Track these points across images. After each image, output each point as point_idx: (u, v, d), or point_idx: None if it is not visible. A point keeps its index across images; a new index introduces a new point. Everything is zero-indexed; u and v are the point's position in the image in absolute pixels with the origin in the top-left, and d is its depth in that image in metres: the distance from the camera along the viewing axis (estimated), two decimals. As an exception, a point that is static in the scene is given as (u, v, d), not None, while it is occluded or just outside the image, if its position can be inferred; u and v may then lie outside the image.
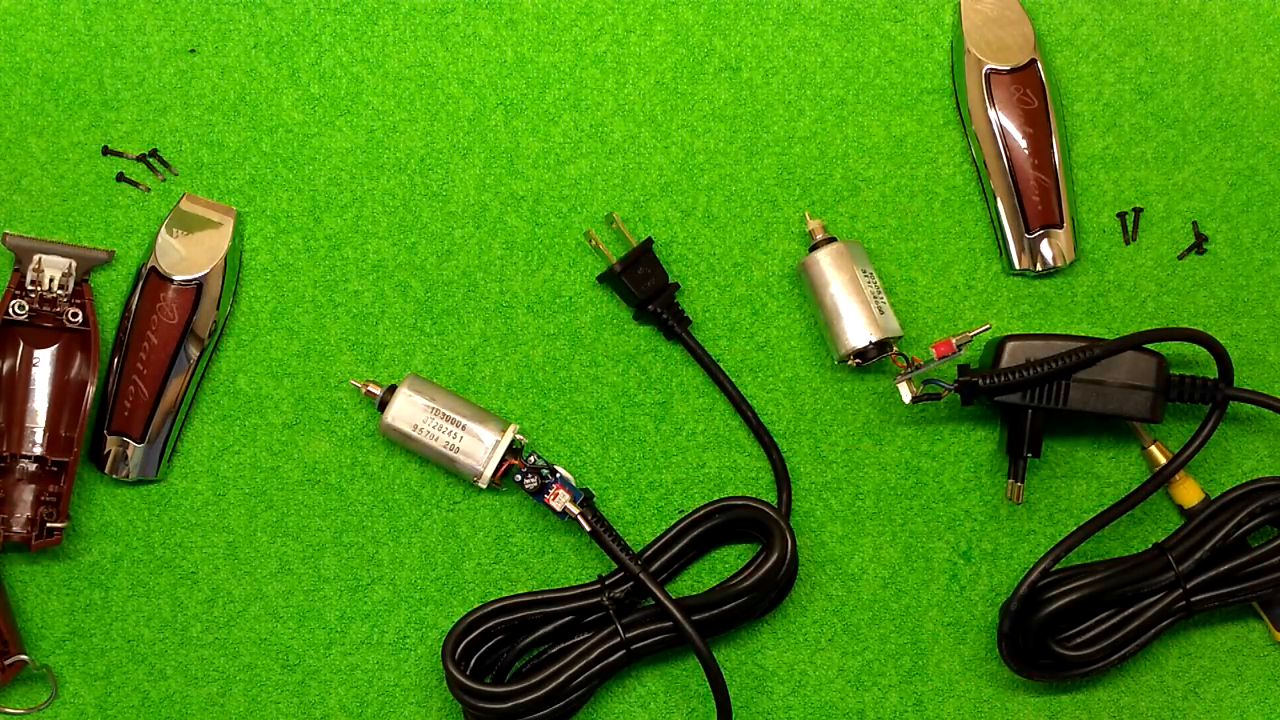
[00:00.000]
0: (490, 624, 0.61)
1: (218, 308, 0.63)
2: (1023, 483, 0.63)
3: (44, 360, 0.62)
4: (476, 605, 0.62)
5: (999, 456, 0.65)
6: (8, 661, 0.61)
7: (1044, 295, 0.66)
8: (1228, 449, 0.66)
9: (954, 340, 0.61)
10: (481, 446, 0.62)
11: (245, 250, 0.65)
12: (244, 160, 0.65)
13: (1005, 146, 0.65)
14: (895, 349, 0.63)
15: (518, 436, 0.62)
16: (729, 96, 0.67)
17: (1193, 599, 0.61)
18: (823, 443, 0.65)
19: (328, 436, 0.64)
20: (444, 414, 0.62)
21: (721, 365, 0.65)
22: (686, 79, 0.67)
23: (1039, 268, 0.65)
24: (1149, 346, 0.63)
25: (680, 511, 0.64)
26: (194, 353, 0.63)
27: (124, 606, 0.63)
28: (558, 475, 0.63)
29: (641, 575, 0.61)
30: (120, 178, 0.65)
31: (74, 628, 0.63)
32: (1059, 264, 0.65)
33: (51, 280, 0.62)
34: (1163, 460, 0.64)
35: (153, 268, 0.63)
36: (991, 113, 0.66)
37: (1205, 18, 0.68)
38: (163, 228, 0.64)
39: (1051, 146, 0.65)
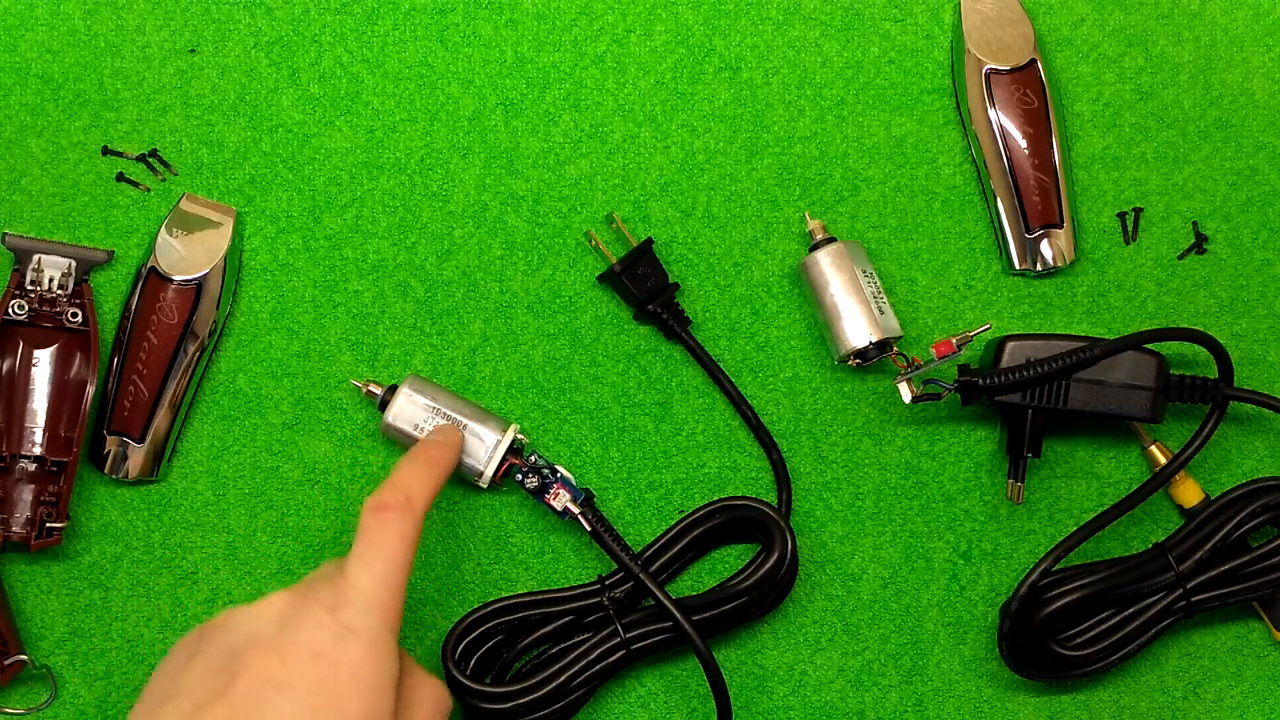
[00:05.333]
0: (490, 624, 0.61)
1: (218, 308, 0.63)
2: (1023, 483, 0.63)
3: (44, 360, 0.62)
4: (476, 605, 0.62)
5: (999, 456, 0.65)
6: (8, 661, 0.61)
7: (1044, 295, 0.66)
8: (1228, 449, 0.66)
9: (954, 340, 0.61)
10: (482, 446, 0.62)
11: (245, 250, 0.65)
12: (244, 160, 0.65)
13: (1005, 146, 0.65)
14: (895, 349, 0.63)
15: (518, 436, 0.62)
16: (729, 96, 0.67)
17: (1193, 599, 0.61)
18: (823, 443, 0.65)
19: (328, 436, 0.64)
20: (444, 414, 0.62)
21: (721, 365, 0.65)
22: (686, 79, 0.67)
23: (1039, 268, 0.65)
24: (1149, 346, 0.63)
25: (680, 511, 0.64)
26: (194, 353, 0.63)
27: (124, 606, 0.63)
28: (558, 475, 0.63)
29: (641, 575, 0.61)
30: (120, 178, 0.65)
31: (74, 628, 0.63)
32: (1059, 264, 0.65)
33: (51, 280, 0.62)
34: (1163, 460, 0.64)
35: (152, 268, 0.63)
36: (991, 113, 0.66)
37: (1205, 18, 0.68)
38: (162, 228, 0.64)
39: (1051, 146, 0.65)
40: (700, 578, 0.64)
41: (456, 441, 0.60)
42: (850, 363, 0.64)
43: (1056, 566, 0.61)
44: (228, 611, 0.50)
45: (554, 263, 0.65)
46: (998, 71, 0.66)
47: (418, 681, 0.52)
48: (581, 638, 0.61)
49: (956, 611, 0.64)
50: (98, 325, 0.62)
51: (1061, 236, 0.65)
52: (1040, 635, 0.61)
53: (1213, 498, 0.63)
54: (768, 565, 0.61)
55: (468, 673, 0.60)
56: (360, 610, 0.49)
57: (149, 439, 0.62)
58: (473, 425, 0.62)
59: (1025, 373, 0.61)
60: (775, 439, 0.65)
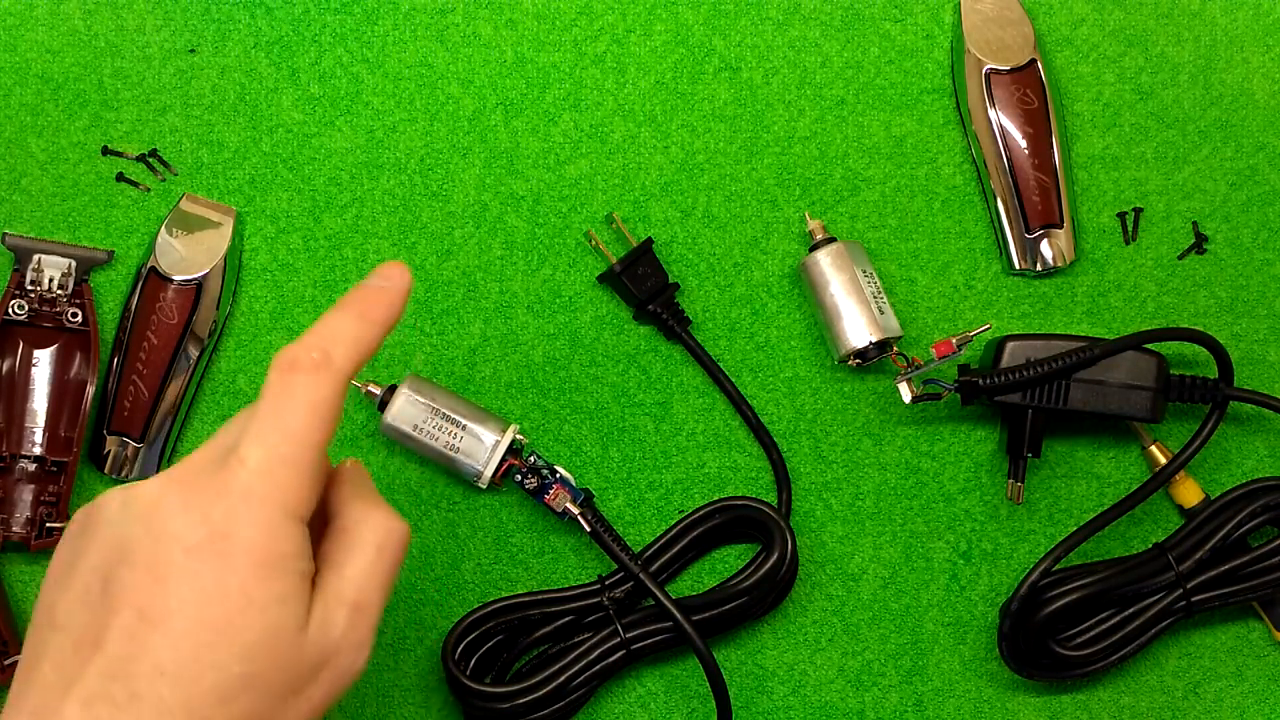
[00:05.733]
0: (490, 624, 0.61)
1: (218, 308, 0.63)
2: (1023, 483, 0.63)
3: (44, 360, 0.62)
4: (476, 605, 0.62)
5: (999, 456, 0.65)
6: (7, 661, 0.61)
7: (1044, 295, 0.66)
8: (1228, 449, 0.66)
9: (954, 340, 0.61)
10: (482, 446, 0.62)
11: (245, 250, 0.65)
12: (244, 160, 0.65)
13: (1005, 146, 0.65)
14: (895, 349, 0.63)
15: (518, 436, 0.62)
16: (729, 96, 0.67)
17: (1193, 599, 0.61)
18: (823, 443, 0.65)
19: (328, 436, 0.64)
20: (444, 414, 0.62)
21: (721, 365, 0.65)
22: (686, 79, 0.67)
23: (1039, 268, 0.65)
24: (1149, 346, 0.63)
25: (680, 511, 0.64)
26: (194, 353, 0.63)
27: (124, 606, 0.63)
28: (558, 475, 0.63)
29: (641, 575, 0.61)
30: (120, 178, 0.65)
31: (74, 628, 0.63)
32: (1059, 264, 0.65)
33: (51, 280, 0.62)
34: (1163, 460, 0.64)
35: (152, 268, 0.63)
36: (991, 113, 0.66)
37: (1205, 18, 0.68)
38: (162, 228, 0.64)
39: (1051, 146, 0.65)
40: (700, 578, 0.64)
41: (401, 287, 0.46)
42: (850, 363, 0.64)
43: (1056, 566, 0.61)
44: (106, 497, 0.43)
45: (554, 263, 0.65)
46: (998, 71, 0.66)
47: (355, 514, 0.45)
48: (581, 638, 0.61)
49: (956, 611, 0.64)
50: (98, 325, 0.62)
51: (1061, 236, 0.65)
52: (1040, 635, 0.61)
53: (1213, 498, 0.63)
54: (768, 565, 0.61)
55: (468, 673, 0.60)
56: (251, 498, 0.41)
57: (149, 439, 0.62)
58: (472, 425, 0.62)
59: (1025, 373, 0.61)
60: (775, 439, 0.65)
